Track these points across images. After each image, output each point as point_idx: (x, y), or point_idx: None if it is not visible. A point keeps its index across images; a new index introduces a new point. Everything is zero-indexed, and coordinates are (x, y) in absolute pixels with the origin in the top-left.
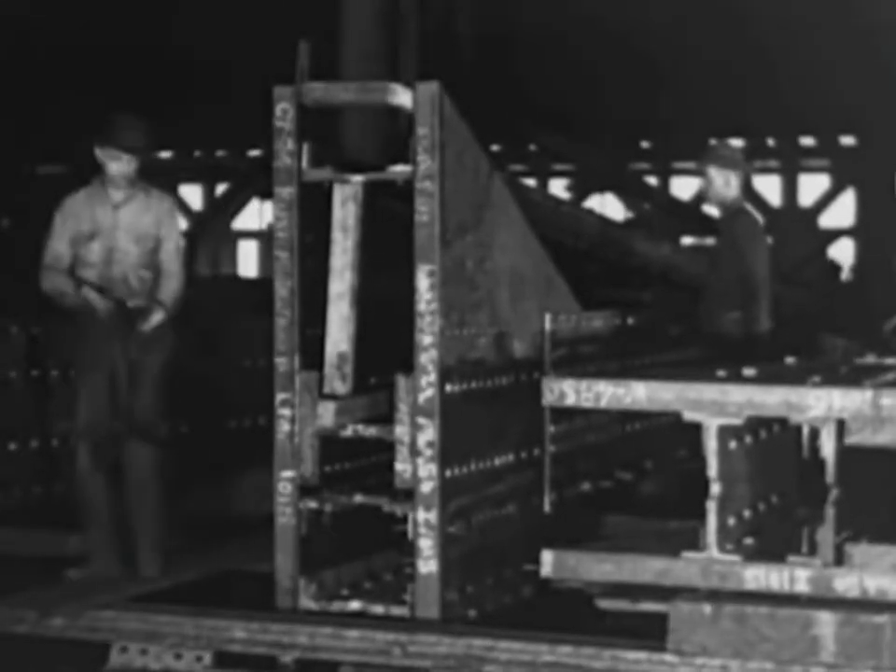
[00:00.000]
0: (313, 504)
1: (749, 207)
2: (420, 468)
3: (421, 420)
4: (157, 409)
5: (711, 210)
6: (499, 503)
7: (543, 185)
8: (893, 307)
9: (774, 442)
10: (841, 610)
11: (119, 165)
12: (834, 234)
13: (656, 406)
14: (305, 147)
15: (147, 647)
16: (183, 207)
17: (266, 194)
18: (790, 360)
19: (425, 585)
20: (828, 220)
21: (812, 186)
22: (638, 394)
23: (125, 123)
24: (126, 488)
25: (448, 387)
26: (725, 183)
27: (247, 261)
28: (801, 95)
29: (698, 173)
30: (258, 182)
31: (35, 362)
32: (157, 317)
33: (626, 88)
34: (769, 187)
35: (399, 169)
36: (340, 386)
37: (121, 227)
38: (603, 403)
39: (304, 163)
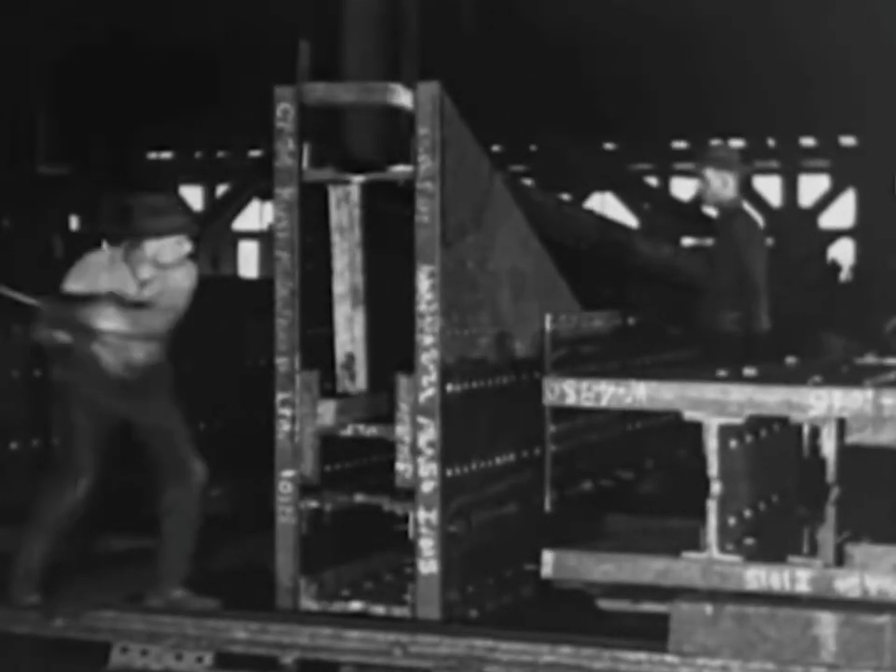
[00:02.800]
0: (313, 504)
1: (747, 208)
2: (421, 467)
3: (422, 420)
4: None
5: (710, 211)
6: (500, 503)
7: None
8: (893, 307)
9: (774, 442)
10: (842, 611)
11: (179, 250)
12: (834, 235)
13: (657, 405)
14: (306, 147)
15: (148, 647)
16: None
17: (267, 195)
18: (790, 360)
19: (425, 585)
20: (828, 221)
21: (812, 186)
22: (639, 393)
23: (173, 205)
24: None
25: (449, 387)
26: (723, 184)
27: (248, 262)
28: (801, 95)
29: (696, 174)
30: (258, 183)
31: (37, 362)
32: None
33: (627, 88)
34: (769, 187)
35: (400, 169)
36: (350, 386)
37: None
38: (604, 403)
39: (305, 163)
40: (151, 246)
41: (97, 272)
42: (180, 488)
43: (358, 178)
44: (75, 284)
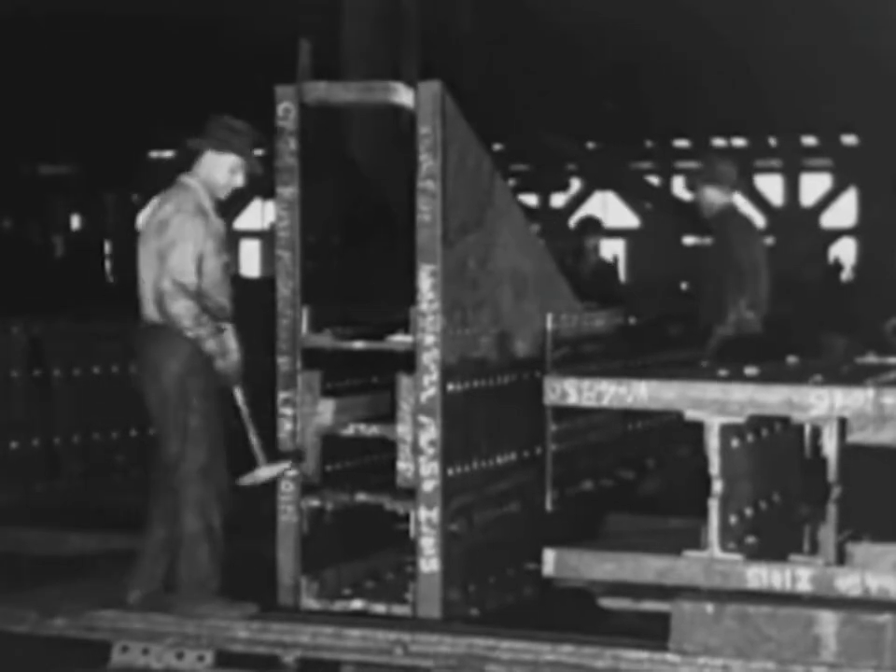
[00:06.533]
0: (315, 503)
1: (746, 208)
2: (422, 466)
3: (423, 419)
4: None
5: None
6: (501, 502)
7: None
8: (894, 307)
9: (775, 441)
10: (843, 610)
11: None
12: (836, 234)
13: (658, 405)
14: (305, 311)
15: (149, 646)
16: None
17: (268, 194)
18: (791, 359)
19: (426, 584)
20: (829, 220)
21: (814, 185)
22: (640, 393)
23: (249, 129)
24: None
25: (450, 386)
26: (719, 196)
27: (249, 261)
28: (802, 95)
29: (691, 188)
30: (260, 182)
31: (37, 362)
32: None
33: (628, 88)
34: (771, 186)
35: (400, 339)
36: None
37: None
38: (605, 402)
39: (304, 328)
40: (228, 166)
41: (200, 220)
42: (172, 494)
43: (359, 345)
44: (193, 250)
